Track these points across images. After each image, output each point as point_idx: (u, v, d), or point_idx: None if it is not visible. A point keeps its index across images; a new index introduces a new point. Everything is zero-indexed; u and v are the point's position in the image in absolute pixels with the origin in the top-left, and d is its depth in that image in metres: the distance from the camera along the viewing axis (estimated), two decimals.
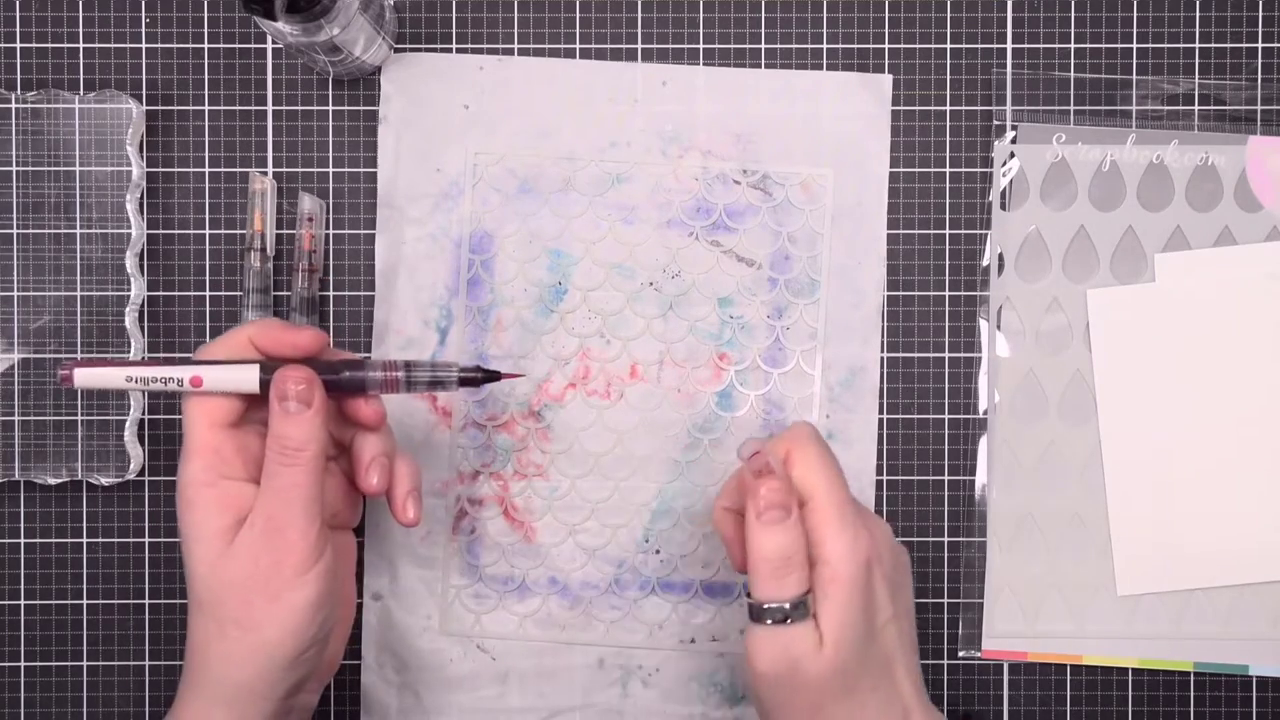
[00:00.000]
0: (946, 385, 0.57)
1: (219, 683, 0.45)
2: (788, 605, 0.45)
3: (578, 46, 0.56)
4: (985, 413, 0.56)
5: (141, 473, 0.56)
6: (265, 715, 0.46)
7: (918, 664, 0.48)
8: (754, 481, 0.46)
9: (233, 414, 0.46)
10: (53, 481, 0.55)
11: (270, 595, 0.45)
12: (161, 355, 0.50)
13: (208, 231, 0.56)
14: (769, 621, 0.45)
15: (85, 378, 0.46)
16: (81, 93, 0.55)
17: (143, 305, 0.56)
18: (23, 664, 0.56)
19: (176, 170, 0.56)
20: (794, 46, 0.56)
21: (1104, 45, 0.56)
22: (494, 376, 0.49)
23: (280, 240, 0.56)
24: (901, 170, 0.56)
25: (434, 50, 0.56)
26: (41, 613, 0.56)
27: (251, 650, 0.45)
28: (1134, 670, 0.57)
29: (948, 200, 0.56)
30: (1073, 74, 0.56)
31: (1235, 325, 0.56)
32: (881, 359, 0.56)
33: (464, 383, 0.49)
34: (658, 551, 0.56)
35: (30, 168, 0.54)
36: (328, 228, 0.56)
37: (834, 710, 0.45)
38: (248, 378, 0.46)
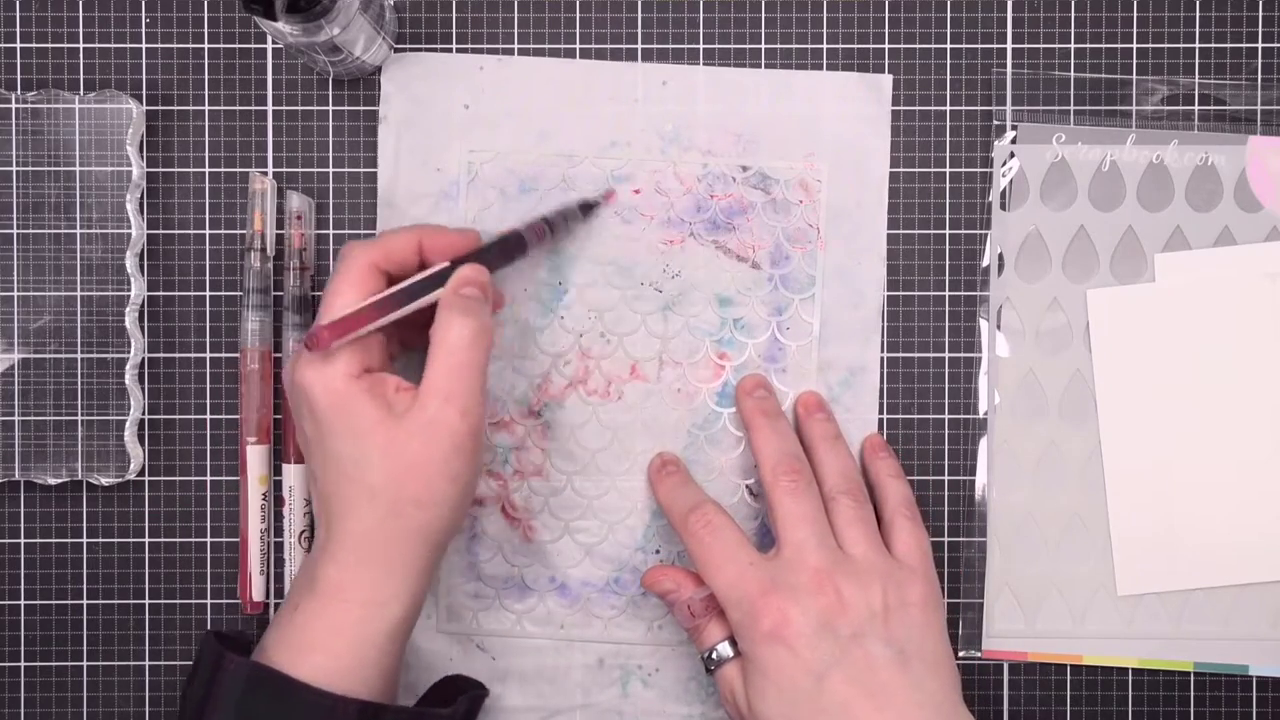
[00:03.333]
0: (946, 385, 0.57)
1: (387, 554, 0.47)
2: (716, 649, 0.51)
3: (578, 46, 0.56)
4: (985, 413, 0.56)
5: (141, 473, 0.56)
6: (423, 585, 0.48)
7: (915, 691, 0.48)
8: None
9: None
10: (53, 481, 0.55)
11: (450, 476, 0.47)
12: (378, 296, 0.48)
13: (208, 231, 0.56)
14: (711, 669, 0.51)
15: (337, 341, 0.47)
16: (81, 93, 0.55)
17: (143, 305, 0.56)
18: (23, 664, 0.56)
19: (176, 170, 0.56)
20: (794, 46, 0.56)
21: (1104, 45, 0.56)
22: (597, 202, 0.55)
23: (280, 240, 0.56)
24: (901, 170, 0.56)
25: (434, 50, 0.56)
26: (41, 613, 0.56)
27: (427, 524, 0.47)
28: (1134, 670, 0.57)
29: (948, 200, 0.56)
30: (1073, 74, 0.56)
31: (1235, 325, 0.56)
32: (881, 359, 0.56)
33: (582, 211, 0.55)
34: (657, 551, 0.56)
35: (30, 168, 0.54)
36: (327, 227, 0.56)
37: None
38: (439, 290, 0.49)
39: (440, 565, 0.56)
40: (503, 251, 0.52)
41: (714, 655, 0.51)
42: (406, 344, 0.53)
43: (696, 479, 0.56)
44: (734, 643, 0.51)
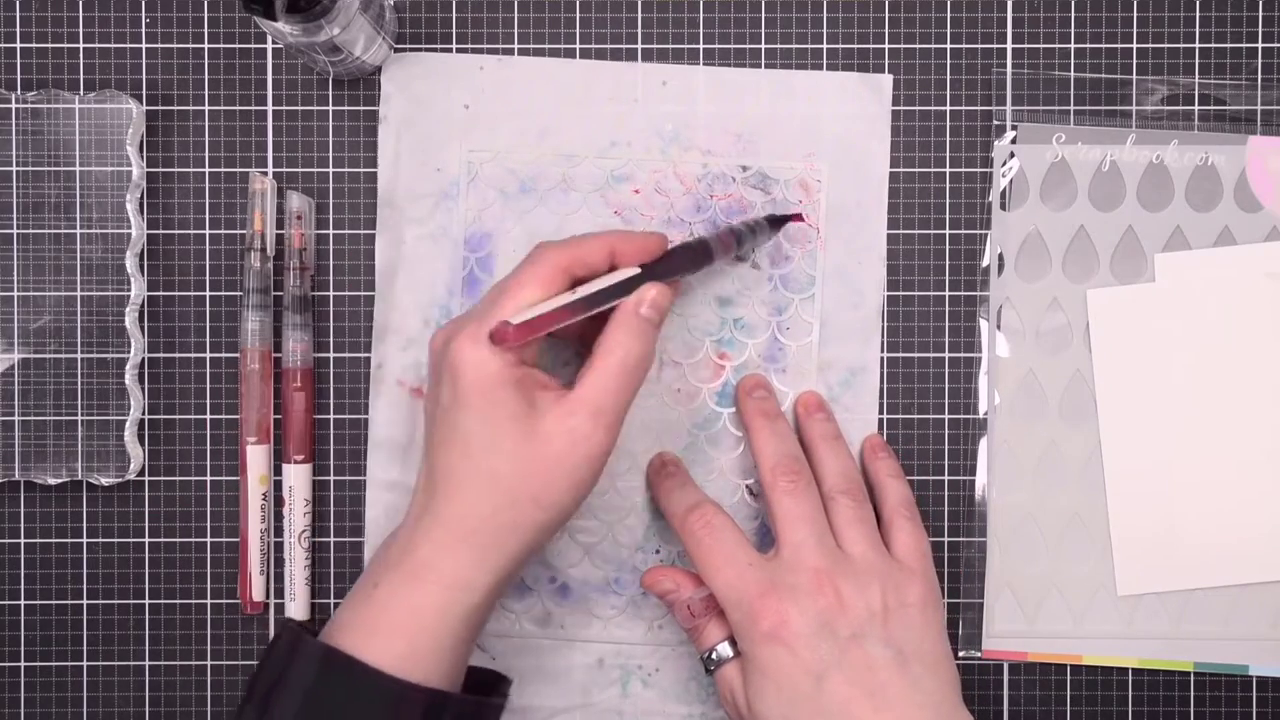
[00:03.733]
0: (946, 385, 0.57)
1: (486, 542, 0.47)
2: (716, 650, 0.51)
3: (578, 46, 0.56)
4: (985, 413, 0.56)
5: (141, 473, 0.56)
6: (508, 579, 0.48)
7: (913, 691, 0.48)
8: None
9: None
10: (53, 481, 0.55)
11: (574, 484, 0.47)
12: (561, 302, 0.48)
13: (208, 231, 0.56)
14: (711, 670, 0.52)
15: (524, 339, 0.47)
16: (81, 93, 0.55)
17: (143, 305, 0.56)
18: (23, 664, 0.56)
19: (176, 170, 0.56)
20: (794, 46, 0.56)
21: (1104, 45, 0.56)
22: (787, 218, 0.55)
23: (280, 240, 0.56)
24: (901, 170, 0.56)
25: (434, 50, 0.56)
26: (41, 613, 0.56)
27: (537, 523, 0.47)
28: (1134, 670, 0.57)
29: (948, 200, 0.56)
30: (1073, 74, 0.56)
31: (1235, 325, 0.56)
32: (881, 359, 0.56)
33: (771, 225, 0.54)
34: (657, 551, 0.56)
35: (30, 168, 0.54)
36: (327, 227, 0.56)
37: None
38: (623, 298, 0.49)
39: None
40: (689, 259, 0.52)
41: (713, 656, 0.51)
42: (560, 336, 0.53)
43: (696, 479, 0.56)
44: (734, 643, 0.51)
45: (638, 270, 0.49)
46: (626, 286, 0.49)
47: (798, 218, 0.55)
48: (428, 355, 0.51)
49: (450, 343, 0.47)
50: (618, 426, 0.48)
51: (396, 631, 0.46)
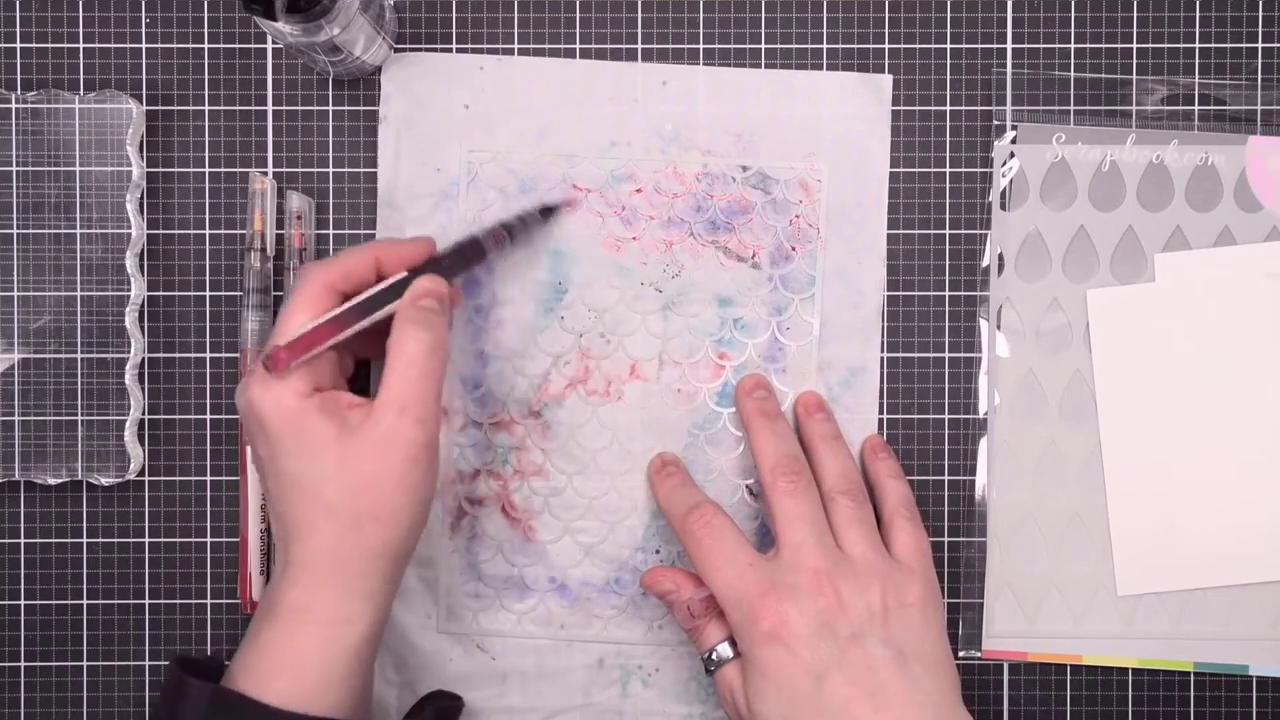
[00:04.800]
0: (946, 385, 0.57)
1: (347, 573, 0.46)
2: (716, 650, 0.51)
3: (578, 46, 0.56)
4: (985, 413, 0.56)
5: (141, 473, 0.56)
6: (385, 602, 0.48)
7: (913, 691, 0.48)
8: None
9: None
10: (53, 481, 0.55)
11: (407, 489, 0.46)
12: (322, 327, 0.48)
13: (208, 231, 0.56)
14: (711, 670, 0.51)
15: (295, 360, 0.47)
16: (81, 93, 0.55)
17: (143, 305, 0.56)
18: (23, 664, 0.56)
19: (176, 170, 0.56)
20: (794, 46, 0.56)
21: (1104, 45, 0.56)
22: (558, 206, 0.55)
23: (280, 240, 0.56)
24: (901, 170, 0.56)
25: (434, 50, 0.56)
26: (41, 613, 0.56)
27: (388, 540, 0.47)
28: (1134, 670, 0.57)
29: (948, 200, 0.56)
30: (1073, 74, 0.56)
31: (1235, 325, 0.56)
32: (881, 359, 0.56)
33: (543, 215, 0.55)
34: (657, 551, 0.56)
35: (30, 168, 0.54)
36: (327, 227, 0.56)
37: None
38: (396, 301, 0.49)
39: (440, 567, 0.56)
40: (461, 259, 0.52)
41: (714, 656, 0.51)
42: (362, 356, 0.53)
43: (696, 479, 0.56)
44: (733, 644, 0.51)
45: (404, 274, 0.49)
46: (397, 289, 0.49)
47: (569, 202, 0.55)
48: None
49: (245, 393, 0.47)
50: (431, 420, 0.47)
51: (285, 674, 0.46)
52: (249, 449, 0.49)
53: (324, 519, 0.46)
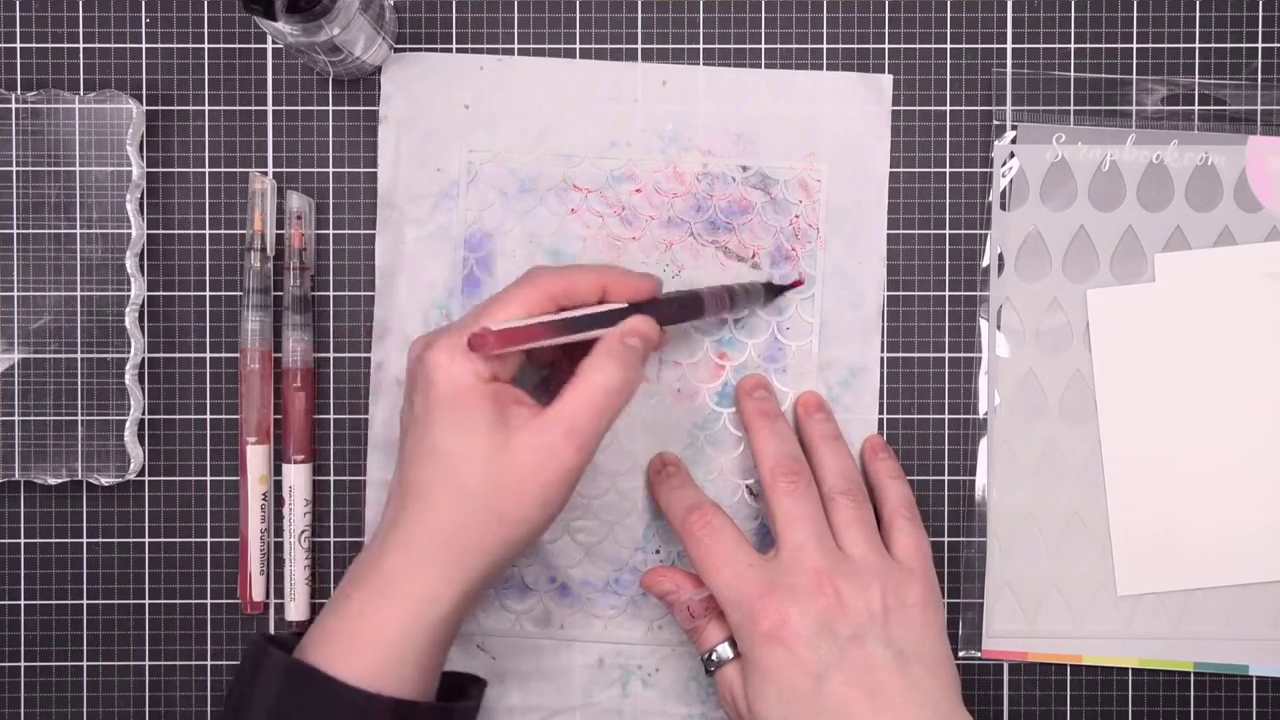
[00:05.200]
0: (946, 385, 0.57)
1: (452, 556, 0.46)
2: (716, 650, 0.51)
3: (578, 46, 0.56)
4: (985, 413, 0.56)
5: (141, 473, 0.56)
6: (476, 593, 0.48)
7: (913, 692, 0.48)
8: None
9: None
10: (53, 481, 0.55)
11: (543, 502, 0.46)
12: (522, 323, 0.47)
13: (208, 231, 0.56)
14: (711, 671, 0.51)
15: (500, 349, 0.46)
16: (81, 93, 0.55)
17: (143, 305, 0.56)
18: (23, 664, 0.56)
19: (176, 170, 0.56)
20: (794, 46, 0.56)
21: (1104, 45, 0.56)
22: (785, 287, 0.55)
23: (280, 240, 0.56)
24: (901, 170, 0.56)
25: (434, 50, 0.56)
26: (41, 613, 0.56)
27: (504, 539, 0.47)
28: (1134, 670, 0.57)
29: (948, 200, 0.56)
30: (1073, 74, 0.56)
31: (1235, 325, 0.56)
32: (881, 359, 0.56)
33: (767, 294, 0.55)
34: (657, 551, 0.56)
35: (30, 168, 0.54)
36: (327, 227, 0.56)
37: None
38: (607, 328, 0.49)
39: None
40: (680, 309, 0.51)
41: (713, 656, 0.51)
42: (537, 360, 0.53)
43: (696, 479, 0.56)
44: (733, 644, 0.51)
45: (624, 305, 0.49)
46: (612, 317, 0.49)
47: (797, 284, 0.55)
48: (406, 364, 0.50)
49: (425, 351, 0.47)
50: (591, 448, 0.47)
51: (363, 644, 0.46)
52: (406, 401, 0.49)
53: (453, 500, 0.46)
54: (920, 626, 0.49)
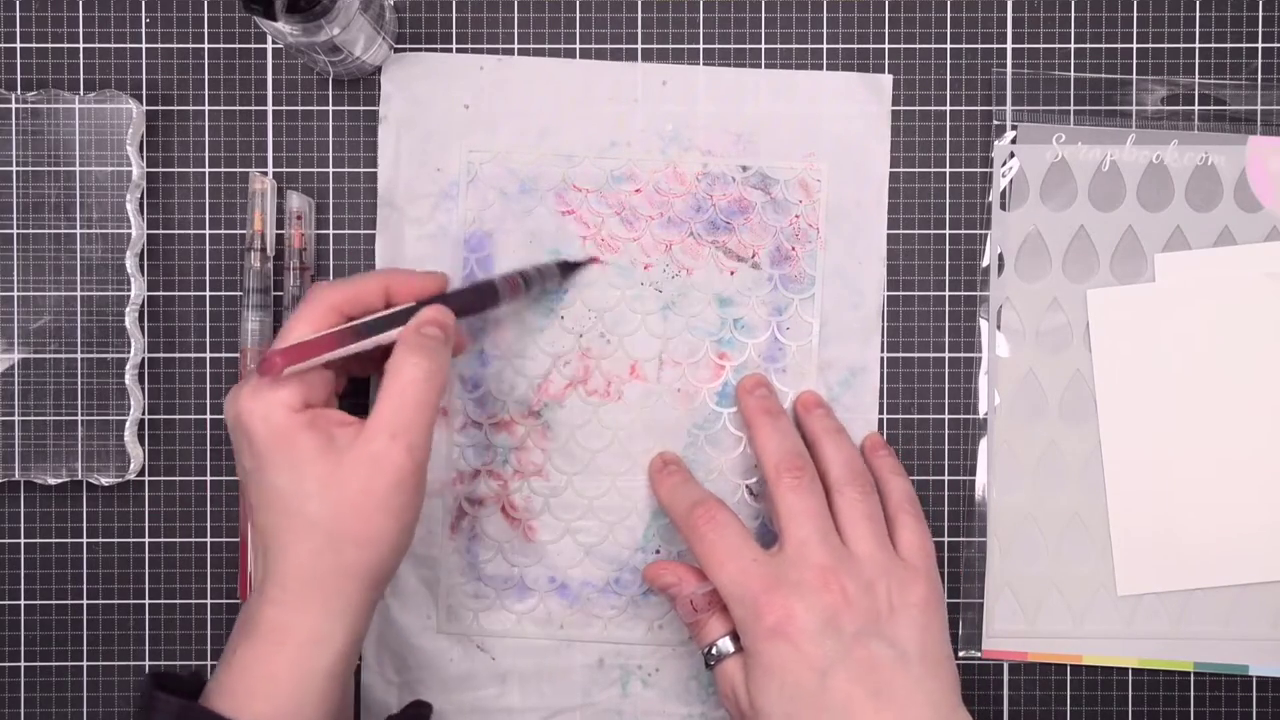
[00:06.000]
0: (946, 385, 0.57)
1: (325, 592, 0.46)
2: (717, 645, 0.51)
3: (578, 46, 0.56)
4: (985, 413, 0.56)
5: (141, 473, 0.56)
6: (362, 624, 0.47)
7: (916, 691, 0.48)
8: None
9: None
10: (53, 481, 0.55)
11: (390, 512, 0.46)
12: (320, 335, 0.47)
13: (208, 231, 0.56)
14: (710, 664, 0.51)
15: (291, 367, 0.46)
16: (81, 93, 0.55)
17: (143, 305, 0.56)
18: (23, 664, 0.56)
19: (176, 170, 0.56)
20: (794, 46, 0.56)
21: (1104, 45, 0.56)
22: (579, 264, 0.55)
23: (280, 240, 0.56)
24: (901, 170, 0.56)
25: (434, 50, 0.56)
26: (41, 613, 0.56)
27: (366, 562, 0.46)
28: (1134, 670, 0.57)
29: (948, 200, 0.56)
30: (1073, 74, 0.56)
31: (1235, 325, 0.56)
32: (881, 359, 0.56)
33: (562, 272, 0.55)
34: (657, 550, 0.56)
35: (30, 168, 0.54)
36: (327, 227, 0.56)
37: None
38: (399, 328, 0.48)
39: (441, 567, 0.56)
40: (474, 298, 0.52)
41: (714, 651, 0.51)
42: (359, 375, 0.53)
43: (697, 478, 0.56)
44: (735, 638, 0.51)
45: (412, 304, 0.49)
46: (401, 317, 0.48)
47: (593, 260, 0.55)
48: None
49: (234, 402, 0.47)
50: (422, 447, 0.46)
51: (259, 694, 0.45)
52: (236, 461, 0.48)
53: (304, 536, 0.46)
54: (923, 626, 0.49)
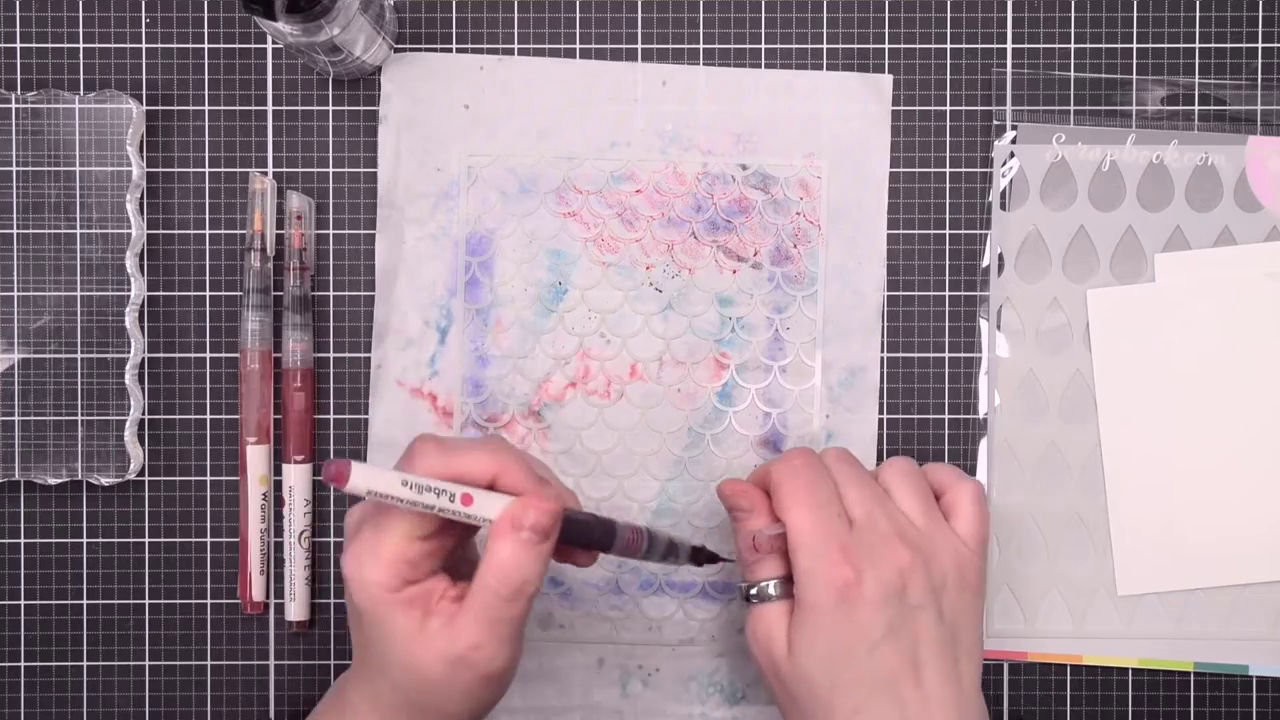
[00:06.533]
0: (946, 385, 0.57)
1: (413, 715, 0.47)
2: (763, 585, 0.50)
3: (578, 47, 0.56)
4: (985, 413, 0.56)
5: (141, 473, 0.56)
6: None
7: (951, 671, 0.48)
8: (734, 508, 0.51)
9: (433, 528, 0.45)
10: (53, 481, 0.55)
11: (477, 699, 0.46)
12: (428, 483, 0.43)
13: (208, 231, 0.56)
14: (752, 601, 0.50)
15: (359, 481, 0.42)
16: (81, 93, 0.55)
17: (143, 305, 0.56)
18: (23, 664, 0.56)
19: (176, 170, 0.56)
20: (794, 46, 0.56)
21: (1104, 45, 0.56)
22: (715, 558, 0.52)
23: (280, 240, 0.56)
24: (901, 170, 0.56)
25: (434, 50, 0.56)
26: (41, 613, 0.56)
27: (454, 715, 0.46)
28: (1134, 670, 0.57)
29: (948, 200, 0.56)
30: (1073, 74, 0.56)
31: (1235, 325, 0.56)
32: (881, 359, 0.56)
33: (693, 559, 0.51)
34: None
35: (30, 168, 0.54)
36: (327, 227, 0.56)
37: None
38: (504, 507, 0.44)
39: None
40: (587, 531, 0.47)
41: (759, 591, 0.50)
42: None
43: (698, 480, 0.56)
44: (782, 584, 0.49)
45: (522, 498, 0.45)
46: (501, 498, 0.45)
47: (727, 560, 0.52)
48: None
49: (343, 556, 0.46)
50: (509, 645, 0.45)
51: None
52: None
53: (389, 690, 0.46)
54: (971, 610, 0.49)
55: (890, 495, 0.50)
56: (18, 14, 0.56)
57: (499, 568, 0.44)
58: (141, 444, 0.56)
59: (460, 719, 0.47)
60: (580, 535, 0.47)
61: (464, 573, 0.47)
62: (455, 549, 0.47)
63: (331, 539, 0.56)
